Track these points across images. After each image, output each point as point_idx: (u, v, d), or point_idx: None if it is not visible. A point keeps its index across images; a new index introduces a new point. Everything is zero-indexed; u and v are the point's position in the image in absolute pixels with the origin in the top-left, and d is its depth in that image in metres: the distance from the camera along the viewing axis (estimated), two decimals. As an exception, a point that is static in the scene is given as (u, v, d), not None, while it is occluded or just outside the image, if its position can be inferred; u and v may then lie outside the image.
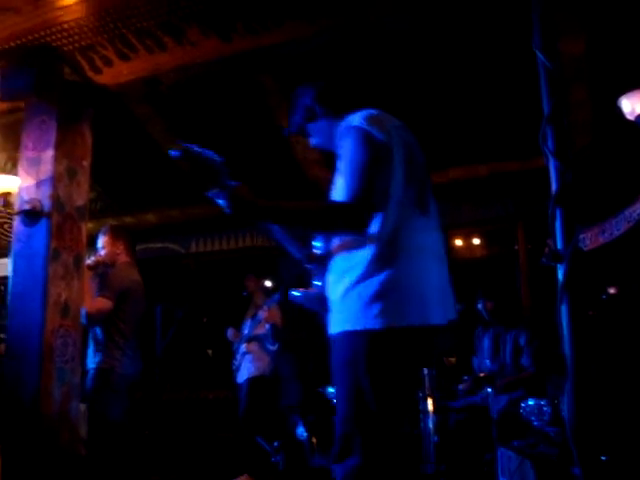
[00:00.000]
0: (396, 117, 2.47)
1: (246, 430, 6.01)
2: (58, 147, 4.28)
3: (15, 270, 4.25)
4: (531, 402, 4.28)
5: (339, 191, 2.32)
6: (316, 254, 2.54)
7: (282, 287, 6.40)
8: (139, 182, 6.81)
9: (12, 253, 4.29)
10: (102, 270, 4.67)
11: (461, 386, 5.05)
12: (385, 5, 3.80)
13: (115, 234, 4.69)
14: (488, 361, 5.05)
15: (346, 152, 2.31)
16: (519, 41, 2.64)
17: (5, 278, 7.73)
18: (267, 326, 6.22)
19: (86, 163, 4.51)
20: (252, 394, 6.24)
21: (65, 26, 4.09)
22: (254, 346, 6.40)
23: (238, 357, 6.53)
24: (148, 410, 6.45)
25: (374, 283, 2.22)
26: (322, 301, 2.42)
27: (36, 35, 4.15)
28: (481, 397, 4.81)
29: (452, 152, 5.83)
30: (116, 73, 4.40)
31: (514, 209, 6.23)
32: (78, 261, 4.35)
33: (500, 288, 5.58)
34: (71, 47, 4.22)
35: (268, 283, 6.96)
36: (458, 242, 6.81)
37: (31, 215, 4.18)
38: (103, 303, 4.37)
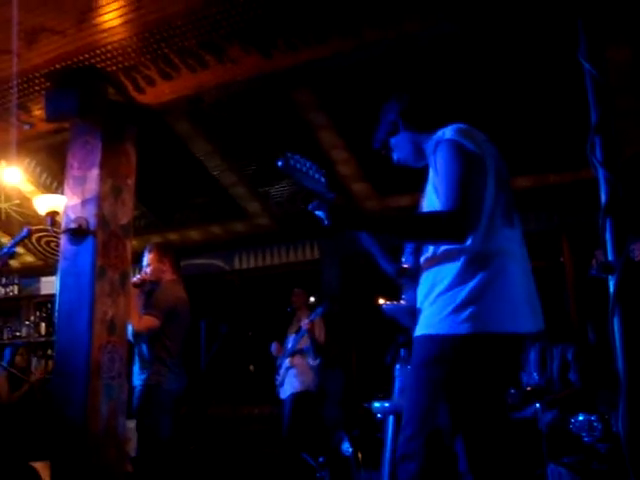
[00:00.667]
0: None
1: (291, 446, 6.00)
2: (103, 166, 4.34)
3: (62, 288, 4.31)
4: (581, 417, 4.18)
5: (434, 204, 2.33)
6: (407, 268, 2.55)
7: (325, 301, 6.38)
8: (182, 199, 6.88)
9: (59, 271, 4.36)
10: (148, 288, 4.74)
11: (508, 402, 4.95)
12: (427, 17, 3.78)
13: (161, 252, 4.76)
14: (535, 374, 4.96)
15: (441, 165, 2.31)
16: (563, 50, 2.61)
17: (52, 296, 7.90)
18: (309, 340, 6.21)
19: (130, 181, 4.57)
20: (297, 409, 6.22)
21: (109, 47, 4.16)
22: (298, 360, 6.39)
23: (282, 372, 6.52)
24: (193, 425, 6.48)
25: (465, 289, 2.22)
26: (412, 315, 2.42)
27: (80, 57, 4.23)
28: (529, 411, 4.72)
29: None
30: (159, 92, 4.46)
31: (558, 221, 6.13)
32: (124, 278, 4.40)
33: (546, 301, 5.48)
34: (114, 68, 4.29)
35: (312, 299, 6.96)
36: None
37: (77, 233, 4.25)
38: (151, 321, 4.43)
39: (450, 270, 2.27)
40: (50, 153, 6.02)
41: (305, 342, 6.30)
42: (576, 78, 3.40)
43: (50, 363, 7.79)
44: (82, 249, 4.26)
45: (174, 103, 4.57)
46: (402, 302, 2.55)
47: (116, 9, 3.91)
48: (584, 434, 4.12)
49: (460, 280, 2.24)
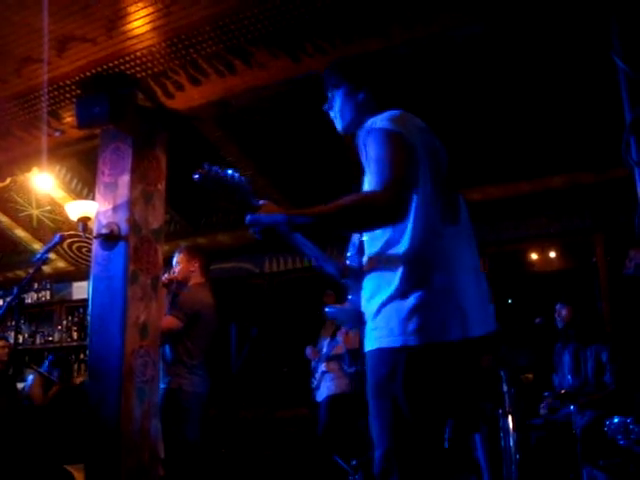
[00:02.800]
0: (420, 118, 2.37)
1: (325, 448, 5.99)
2: (133, 172, 4.38)
3: (94, 292, 4.35)
4: (616, 420, 4.12)
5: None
6: (350, 268, 2.47)
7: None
8: (211, 204, 6.91)
9: (91, 276, 4.41)
10: (175, 288, 4.75)
11: (543, 406, 4.90)
12: (456, 17, 3.76)
13: (190, 253, 4.77)
14: (570, 376, 4.90)
15: (371, 153, 2.18)
16: (597, 48, 2.57)
17: (84, 301, 7.98)
18: (345, 348, 6.19)
19: (161, 186, 4.61)
20: (332, 411, 6.21)
21: (138, 54, 4.20)
22: (333, 365, 6.38)
23: (317, 376, 6.51)
24: (224, 428, 6.50)
25: (410, 298, 2.11)
26: (358, 316, 2.35)
27: (110, 64, 4.27)
28: (563, 414, 4.68)
29: (526, 164, 5.73)
30: (188, 97, 4.49)
31: (591, 221, 6.07)
32: (155, 283, 4.43)
33: (579, 301, 5.43)
34: (144, 74, 4.33)
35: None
36: (534, 255, 6.66)
37: (109, 239, 4.29)
38: (172, 322, 4.45)
39: (393, 277, 2.16)
40: (81, 160, 6.07)
41: (341, 349, 6.29)
42: (609, 76, 3.36)
43: (82, 367, 7.87)
44: (114, 254, 4.31)
45: (203, 108, 4.59)
46: (346, 304, 2.48)
47: (144, 16, 3.95)
48: (619, 437, 4.06)
49: (404, 288, 2.13)
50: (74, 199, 6.15)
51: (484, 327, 2.27)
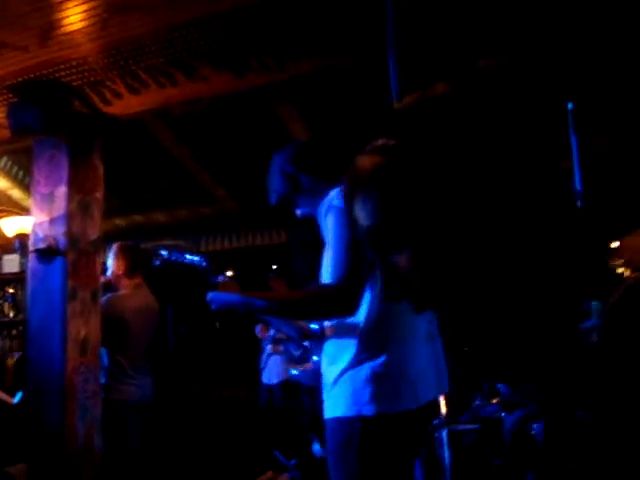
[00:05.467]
0: None
1: (266, 434, 6.11)
2: (71, 183, 4.23)
3: (32, 306, 4.25)
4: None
5: (326, 271, 2.30)
6: (310, 330, 2.56)
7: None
8: (148, 182, 6.79)
9: (29, 289, 4.30)
10: (109, 292, 4.58)
11: (475, 404, 5.08)
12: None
13: (117, 253, 4.48)
14: (500, 384, 5.09)
15: (330, 233, 2.24)
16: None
17: (15, 274, 7.76)
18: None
19: (99, 195, 4.48)
20: (284, 397, 6.29)
21: (74, 63, 4.02)
22: (281, 347, 6.43)
23: (264, 357, 6.56)
24: (163, 409, 6.53)
25: (364, 369, 2.20)
26: (319, 377, 2.44)
27: (44, 71, 4.08)
28: (492, 411, 4.87)
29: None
30: (126, 105, 4.34)
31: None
32: (94, 296, 4.35)
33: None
34: (80, 82, 4.16)
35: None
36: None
37: (46, 253, 4.17)
38: None
39: (349, 349, 2.24)
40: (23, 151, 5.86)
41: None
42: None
43: (16, 343, 7.70)
44: (52, 269, 4.19)
45: (142, 115, 4.46)
46: (309, 365, 2.59)
47: (80, 28, 3.77)
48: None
49: (359, 360, 2.21)
50: (18, 187, 5.99)
51: (437, 391, 2.39)
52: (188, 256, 2.26)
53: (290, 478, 5.05)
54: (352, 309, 2.16)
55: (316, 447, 4.99)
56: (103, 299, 4.41)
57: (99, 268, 4.43)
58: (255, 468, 6.23)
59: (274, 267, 7.04)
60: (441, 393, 2.46)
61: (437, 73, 2.59)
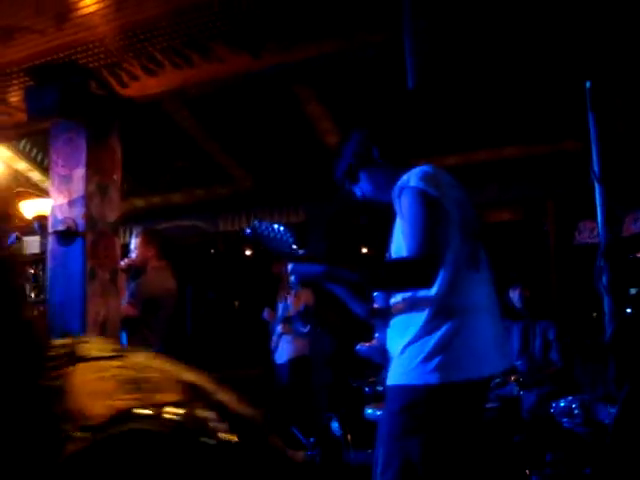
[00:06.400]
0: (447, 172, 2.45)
1: (285, 411, 6.15)
2: (89, 165, 4.27)
3: (52, 288, 4.31)
4: (562, 404, 4.32)
5: (400, 250, 2.35)
6: (378, 309, 2.60)
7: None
8: (165, 165, 6.80)
9: (49, 270, 4.35)
10: (134, 273, 4.71)
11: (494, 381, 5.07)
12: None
13: (147, 237, 4.69)
14: (519, 362, 5.08)
15: (406, 212, 2.30)
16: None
17: (36, 255, 7.84)
18: (301, 307, 6.27)
19: (117, 177, 4.51)
20: (294, 375, 6.34)
21: (90, 45, 4.02)
22: (289, 327, 6.47)
23: (275, 338, 6.61)
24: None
25: (432, 339, 2.26)
26: (384, 354, 2.49)
27: (61, 54, 4.09)
28: (511, 389, 4.87)
29: (483, 134, 5.76)
30: (143, 87, 4.34)
31: (543, 190, 6.16)
32: (114, 277, 4.39)
33: (531, 272, 5.59)
34: (97, 65, 4.16)
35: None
36: (487, 223, 6.76)
37: (66, 235, 4.21)
38: (128, 310, 4.42)
39: (418, 319, 2.30)
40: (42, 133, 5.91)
41: (294, 309, 6.37)
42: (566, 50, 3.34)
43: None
44: (71, 250, 4.24)
45: (159, 96, 4.45)
46: (374, 342, 2.64)
47: (96, 10, 3.77)
48: (565, 420, 4.27)
49: (428, 330, 2.27)
50: (37, 169, 6.04)
51: (500, 365, 2.43)
52: (276, 226, 2.32)
53: (308, 456, 5.07)
54: (430, 282, 2.22)
55: (335, 425, 5.02)
56: (137, 281, 4.54)
57: (118, 249, 4.48)
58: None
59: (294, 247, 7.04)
60: (504, 367, 2.50)
61: (455, 56, 2.59)
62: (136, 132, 5.82)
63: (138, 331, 4.45)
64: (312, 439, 5.07)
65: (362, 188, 2.60)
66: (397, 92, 5.00)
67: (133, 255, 4.65)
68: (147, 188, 7.08)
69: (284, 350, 6.50)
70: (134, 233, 4.77)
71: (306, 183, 6.41)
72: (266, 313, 6.67)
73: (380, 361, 2.57)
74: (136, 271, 4.66)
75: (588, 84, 2.98)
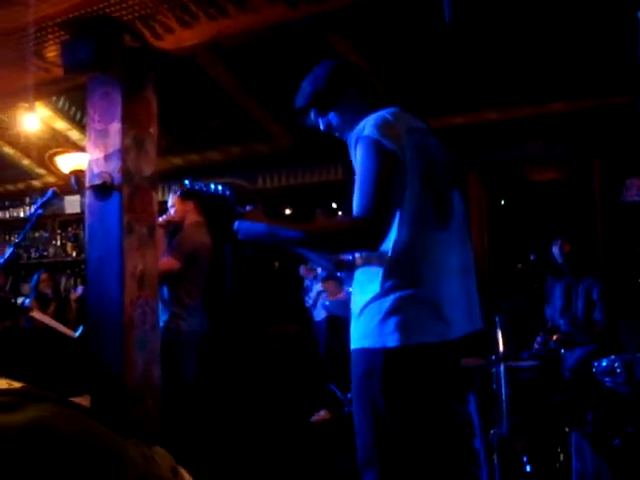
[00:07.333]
0: (416, 116, 2.35)
1: (324, 370, 6.17)
2: (124, 119, 4.23)
3: (90, 243, 4.31)
4: (605, 363, 4.23)
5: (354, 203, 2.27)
6: (345, 261, 2.55)
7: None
8: (201, 121, 6.77)
9: (87, 226, 4.36)
10: (173, 229, 4.77)
11: (536, 341, 4.99)
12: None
13: (185, 194, 4.77)
14: (562, 320, 4.99)
15: (359, 164, 2.20)
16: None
17: (76, 215, 7.95)
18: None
19: (153, 130, 4.47)
20: (331, 332, 6.35)
21: (123, -3, 3.97)
22: (331, 285, 6.44)
23: (313, 295, 6.60)
24: (220, 346, 6.65)
25: (389, 300, 2.19)
26: (349, 308, 2.43)
27: (94, 7, 4.03)
28: (553, 348, 4.79)
29: (528, 89, 5.60)
30: (177, 39, 4.26)
31: (590, 146, 5.98)
32: (151, 231, 4.38)
33: (576, 230, 5.46)
34: (131, 17, 4.09)
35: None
36: (532, 180, 6.61)
37: (102, 190, 4.20)
38: (171, 264, 4.52)
39: (375, 277, 2.22)
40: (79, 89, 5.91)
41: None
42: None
43: (79, 282, 7.93)
44: (108, 205, 4.23)
45: (193, 49, 4.39)
46: (341, 296, 2.61)
47: (129, -40, 3.71)
48: (607, 379, 4.19)
49: (385, 290, 2.19)
50: (76, 128, 6.06)
51: (467, 327, 2.34)
52: (212, 185, 2.27)
53: (347, 412, 5.08)
54: (374, 245, 2.14)
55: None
56: (177, 236, 4.67)
57: (155, 204, 4.47)
58: (309, 405, 6.32)
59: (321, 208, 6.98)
60: (473, 329, 2.40)
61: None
62: (173, 89, 5.79)
63: (180, 285, 4.53)
64: (350, 395, 5.07)
65: (329, 121, 2.49)
66: (433, 43, 4.91)
67: (172, 211, 4.73)
68: (184, 146, 7.07)
69: (323, 307, 6.49)
70: (172, 189, 4.81)
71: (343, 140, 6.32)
72: (302, 269, 6.65)
73: (345, 315, 2.52)
74: (175, 227, 4.74)
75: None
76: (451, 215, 2.31)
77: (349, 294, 2.51)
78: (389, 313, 2.17)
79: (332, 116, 2.48)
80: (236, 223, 2.32)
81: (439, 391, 2.38)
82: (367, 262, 2.29)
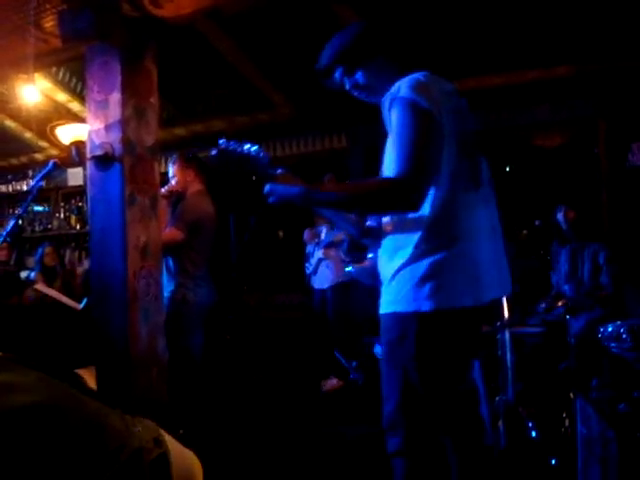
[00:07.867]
0: (447, 80, 2.31)
1: (324, 339, 6.18)
2: (124, 89, 4.19)
3: (93, 214, 4.29)
4: (610, 328, 4.22)
5: (389, 166, 2.22)
6: (370, 228, 2.51)
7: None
8: (204, 91, 6.71)
9: (89, 198, 4.34)
10: (175, 199, 4.75)
11: (541, 306, 4.98)
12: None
13: (185, 162, 4.75)
14: (566, 286, 4.97)
15: (395, 125, 2.17)
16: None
17: (80, 187, 7.93)
18: (345, 236, 6.21)
19: (153, 100, 4.42)
20: (337, 301, 6.35)
21: (120, -37, 3.91)
22: (333, 253, 6.43)
23: (313, 261, 6.59)
24: (227, 316, 6.65)
25: (424, 264, 2.17)
26: (375, 276, 2.41)
27: (92, -25, 3.98)
28: (558, 313, 4.77)
29: (532, 53, 5.52)
30: (176, 6, 4.20)
31: (595, 110, 5.91)
32: (154, 201, 4.36)
33: (580, 196, 5.42)
34: (129, -17, 4.05)
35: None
36: (536, 144, 6.55)
37: (103, 160, 4.18)
38: (174, 234, 4.51)
39: (409, 242, 2.20)
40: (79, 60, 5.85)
41: (341, 236, 6.32)
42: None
43: (84, 254, 7.93)
44: (109, 176, 4.21)
45: (193, 16, 4.33)
46: (366, 263, 2.57)
47: None
48: (612, 344, 4.17)
49: (419, 254, 2.17)
50: (77, 100, 6.01)
51: (498, 291, 2.34)
52: (246, 145, 2.23)
53: (352, 380, 5.10)
54: (415, 205, 2.11)
55: (377, 349, 5.01)
56: (180, 205, 4.64)
57: (157, 174, 4.44)
58: (318, 372, 6.34)
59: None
60: (504, 293, 2.41)
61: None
62: (174, 58, 5.73)
63: (185, 255, 4.54)
64: (354, 363, 5.09)
65: (355, 80, 2.44)
66: (437, 8, 4.83)
67: (173, 182, 4.71)
68: (187, 116, 7.02)
69: (324, 276, 6.49)
70: (171, 159, 4.79)
71: (348, 107, 6.26)
72: (307, 234, 6.63)
73: (370, 283, 2.51)
74: (177, 197, 4.72)
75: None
76: (481, 177, 2.30)
77: (372, 261, 2.49)
78: (424, 277, 2.16)
79: (359, 75, 2.43)
80: (267, 186, 2.28)
81: (467, 355, 2.40)
82: (398, 228, 2.27)
